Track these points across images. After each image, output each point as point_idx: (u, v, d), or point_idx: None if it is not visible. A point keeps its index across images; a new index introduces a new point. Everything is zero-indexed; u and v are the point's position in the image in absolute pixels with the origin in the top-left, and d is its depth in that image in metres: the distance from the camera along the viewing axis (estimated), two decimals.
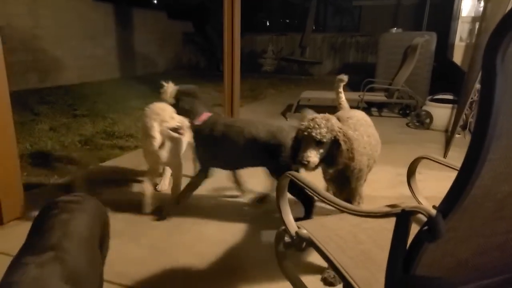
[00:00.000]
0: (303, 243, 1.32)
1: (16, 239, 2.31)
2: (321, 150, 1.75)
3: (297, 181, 1.31)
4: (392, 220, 0.90)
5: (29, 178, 3.25)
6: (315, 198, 2.02)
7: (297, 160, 1.77)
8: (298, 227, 1.36)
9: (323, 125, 1.72)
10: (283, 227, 1.40)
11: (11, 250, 2.16)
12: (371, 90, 5.56)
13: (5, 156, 2.38)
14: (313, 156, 1.73)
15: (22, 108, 5.73)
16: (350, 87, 8.03)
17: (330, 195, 1.16)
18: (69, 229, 1.13)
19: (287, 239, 1.40)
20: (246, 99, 7.03)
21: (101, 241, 1.31)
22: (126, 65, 10.29)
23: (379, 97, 5.76)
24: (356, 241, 1.29)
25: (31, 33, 7.70)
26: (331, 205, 1.10)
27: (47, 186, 3.13)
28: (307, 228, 1.34)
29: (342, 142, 1.74)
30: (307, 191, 1.26)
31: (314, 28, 12.07)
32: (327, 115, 1.80)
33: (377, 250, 1.23)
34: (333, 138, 1.74)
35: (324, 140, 1.73)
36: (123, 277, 1.94)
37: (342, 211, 1.07)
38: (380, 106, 6.17)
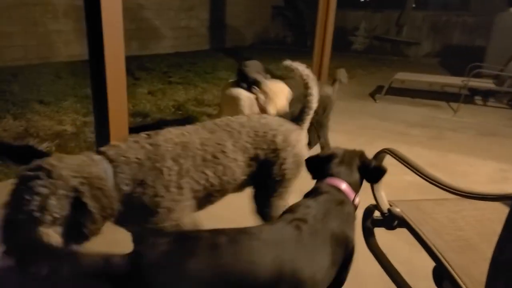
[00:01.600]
0: (394, 222, 1.29)
1: None
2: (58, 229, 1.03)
3: (395, 157, 1.27)
4: (497, 211, 0.84)
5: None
6: None
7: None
8: (390, 205, 1.33)
9: (43, 187, 1.00)
10: (373, 203, 1.38)
11: None
12: (478, 75, 5.02)
13: (118, 112, 2.67)
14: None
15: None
16: (452, 71, 7.38)
17: (434, 174, 1.11)
18: None
19: (376, 216, 1.38)
20: (332, 77, 6.85)
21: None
22: (216, 37, 10.63)
23: (487, 84, 5.18)
24: (454, 227, 1.22)
25: (136, 2, 8.32)
26: (438, 186, 1.05)
27: None
28: (401, 208, 1.30)
29: (88, 201, 1.05)
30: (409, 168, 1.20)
31: (414, 5, 11.11)
32: (51, 161, 1.07)
33: (478, 238, 1.15)
34: (71, 199, 1.03)
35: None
36: None
37: (454, 194, 1.02)
38: (486, 94, 5.56)
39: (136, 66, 7.18)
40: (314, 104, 1.63)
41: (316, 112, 2.84)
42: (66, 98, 4.47)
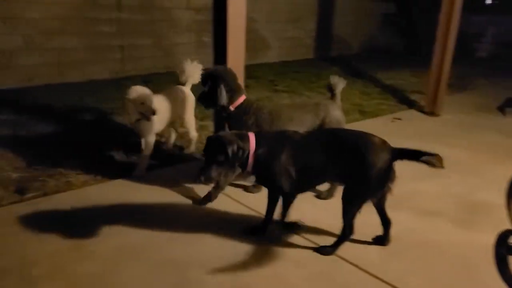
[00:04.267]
0: None
1: None
2: None
3: None
4: None
5: None
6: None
7: None
8: None
9: None
10: (509, 229, 1.24)
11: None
12: None
13: None
14: None
15: None
16: None
17: None
18: None
19: None
20: (451, 88, 6.27)
21: None
22: (321, 46, 10.62)
23: None
24: None
25: (249, 16, 8.78)
26: None
27: None
28: None
29: None
30: None
31: None
32: None
33: None
34: None
35: None
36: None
37: None
38: None
39: (246, 74, 7.56)
40: None
41: None
42: None
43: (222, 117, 2.49)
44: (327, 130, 2.13)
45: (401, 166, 3.18)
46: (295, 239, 2.11)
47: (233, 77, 2.41)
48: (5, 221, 2.23)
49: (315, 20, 10.30)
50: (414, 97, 5.78)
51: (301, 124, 2.37)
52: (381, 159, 1.80)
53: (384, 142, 1.87)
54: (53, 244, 2.03)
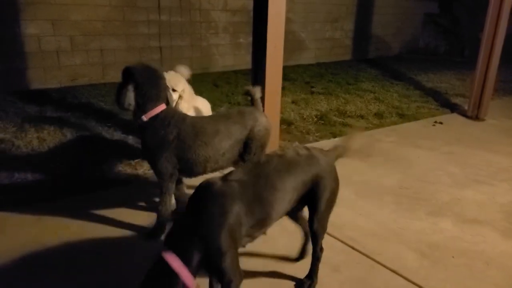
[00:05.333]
0: None
1: None
2: None
3: None
4: None
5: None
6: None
7: None
8: None
9: None
10: None
11: None
12: None
13: (273, 119, 2.88)
14: None
15: None
16: None
17: None
18: None
19: None
20: (497, 92, 5.96)
21: None
22: (359, 47, 10.42)
23: None
24: None
25: (285, 16, 8.76)
26: None
27: None
28: None
29: None
30: None
31: None
32: None
33: None
34: None
35: None
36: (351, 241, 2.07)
37: None
38: None
39: (282, 76, 7.55)
40: None
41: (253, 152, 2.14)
42: (222, 105, 5.01)
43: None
44: (269, 158, 1.65)
45: (439, 172, 3.08)
46: (333, 243, 2.08)
47: (153, 80, 1.97)
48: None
49: (354, 21, 10.11)
50: (457, 100, 5.55)
51: (229, 136, 2.12)
52: (331, 167, 1.69)
53: (322, 150, 1.74)
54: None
